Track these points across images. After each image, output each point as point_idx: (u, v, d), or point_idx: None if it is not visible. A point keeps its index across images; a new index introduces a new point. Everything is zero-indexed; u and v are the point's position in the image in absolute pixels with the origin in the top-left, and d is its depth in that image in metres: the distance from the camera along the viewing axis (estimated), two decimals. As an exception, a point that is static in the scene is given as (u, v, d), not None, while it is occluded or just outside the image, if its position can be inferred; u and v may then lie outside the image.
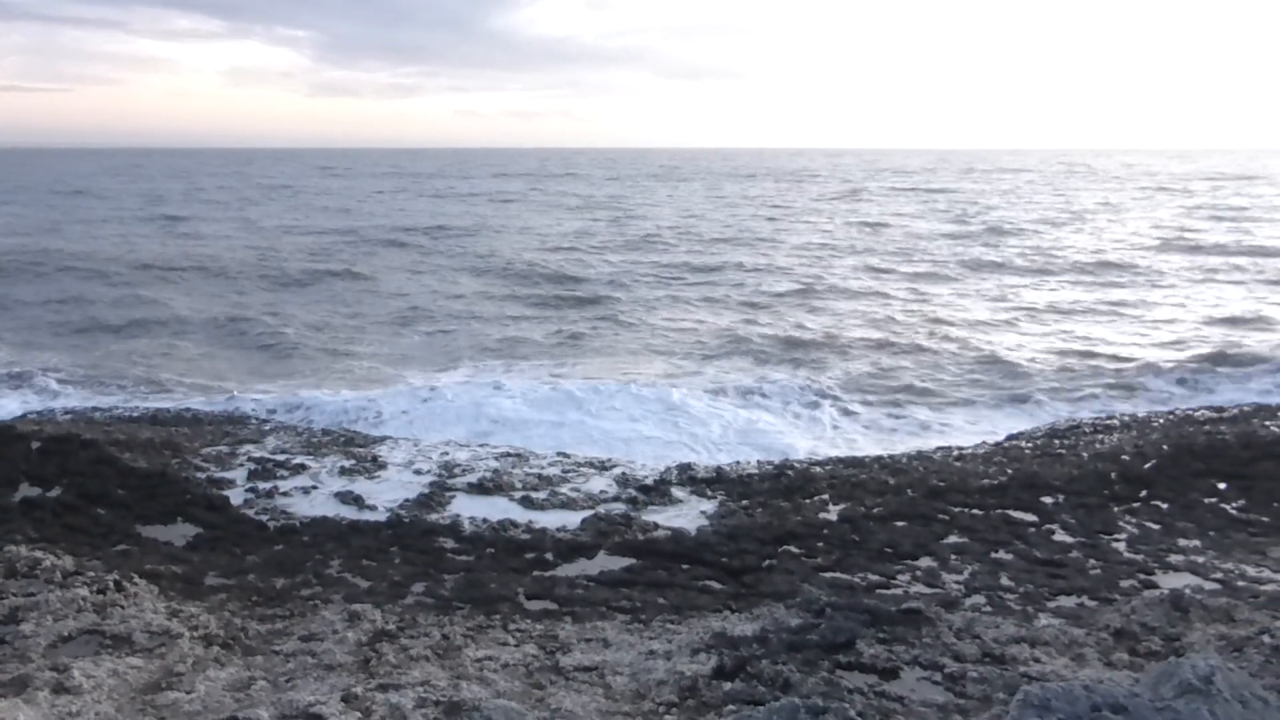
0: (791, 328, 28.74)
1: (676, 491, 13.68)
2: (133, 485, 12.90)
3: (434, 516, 12.49)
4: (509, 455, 15.56)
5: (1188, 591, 8.86)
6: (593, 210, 73.76)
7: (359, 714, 6.19)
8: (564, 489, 13.74)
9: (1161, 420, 16.99)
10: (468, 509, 12.84)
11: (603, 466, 14.97)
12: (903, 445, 17.44)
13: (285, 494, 13.37)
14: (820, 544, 11.39)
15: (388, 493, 13.51)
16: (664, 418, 18.61)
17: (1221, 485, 13.09)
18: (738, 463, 15.39)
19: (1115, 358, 24.44)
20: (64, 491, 12.57)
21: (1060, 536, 11.59)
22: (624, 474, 14.48)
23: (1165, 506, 12.48)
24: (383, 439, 16.69)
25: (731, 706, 6.38)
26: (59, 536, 10.97)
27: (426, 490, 13.55)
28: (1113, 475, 13.46)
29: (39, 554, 9.20)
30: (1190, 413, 17.46)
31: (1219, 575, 10.19)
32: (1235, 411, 17.06)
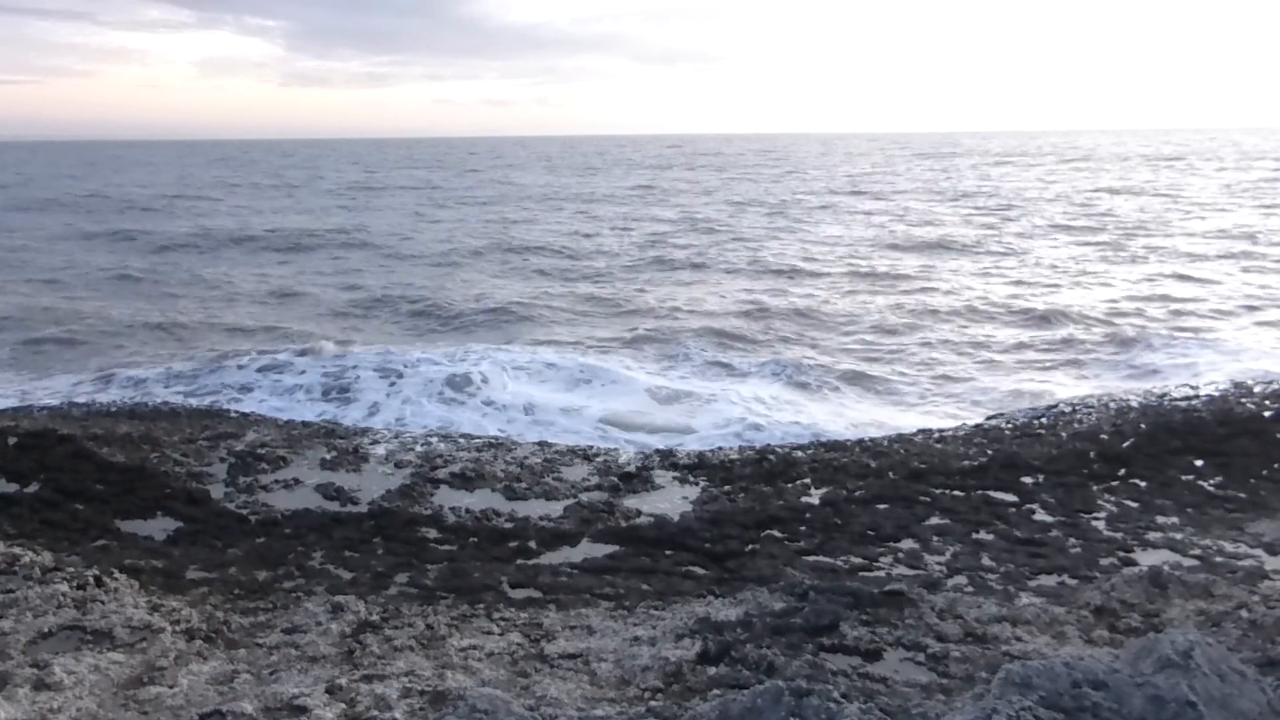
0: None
1: (658, 478, 13.69)
2: (111, 480, 12.80)
3: (416, 507, 12.45)
4: (491, 446, 15.51)
5: (1166, 568, 8.97)
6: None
7: (344, 705, 6.18)
8: (547, 478, 13.71)
9: (1139, 399, 17.12)
10: (450, 499, 12.81)
11: (585, 455, 14.95)
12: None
13: (266, 487, 13.27)
14: (802, 528, 11.44)
15: (370, 484, 13.44)
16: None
17: (1199, 462, 13.23)
18: (719, 448, 15.40)
19: None
20: (41, 487, 12.46)
21: (1040, 516, 11.68)
22: (606, 462, 14.46)
23: (1143, 484, 12.60)
24: (364, 430, 16.61)
25: (716, 691, 6.40)
26: (37, 532, 10.86)
27: (409, 481, 13.49)
28: (1091, 454, 13.58)
29: (17, 550, 9.11)
30: (1167, 390, 17.62)
31: (1197, 551, 10.30)
32: (1212, 389, 17.22)
